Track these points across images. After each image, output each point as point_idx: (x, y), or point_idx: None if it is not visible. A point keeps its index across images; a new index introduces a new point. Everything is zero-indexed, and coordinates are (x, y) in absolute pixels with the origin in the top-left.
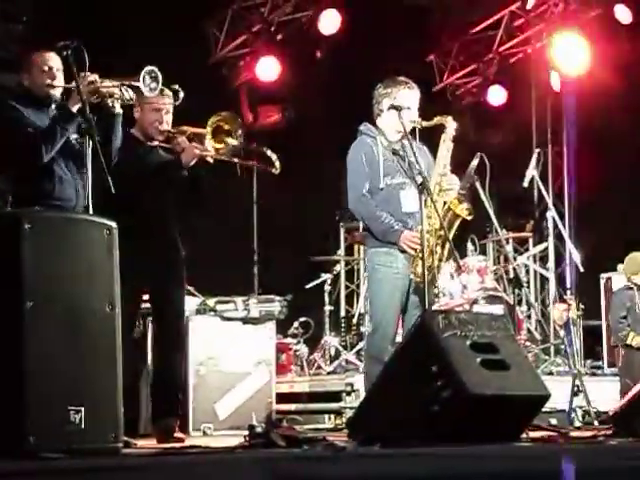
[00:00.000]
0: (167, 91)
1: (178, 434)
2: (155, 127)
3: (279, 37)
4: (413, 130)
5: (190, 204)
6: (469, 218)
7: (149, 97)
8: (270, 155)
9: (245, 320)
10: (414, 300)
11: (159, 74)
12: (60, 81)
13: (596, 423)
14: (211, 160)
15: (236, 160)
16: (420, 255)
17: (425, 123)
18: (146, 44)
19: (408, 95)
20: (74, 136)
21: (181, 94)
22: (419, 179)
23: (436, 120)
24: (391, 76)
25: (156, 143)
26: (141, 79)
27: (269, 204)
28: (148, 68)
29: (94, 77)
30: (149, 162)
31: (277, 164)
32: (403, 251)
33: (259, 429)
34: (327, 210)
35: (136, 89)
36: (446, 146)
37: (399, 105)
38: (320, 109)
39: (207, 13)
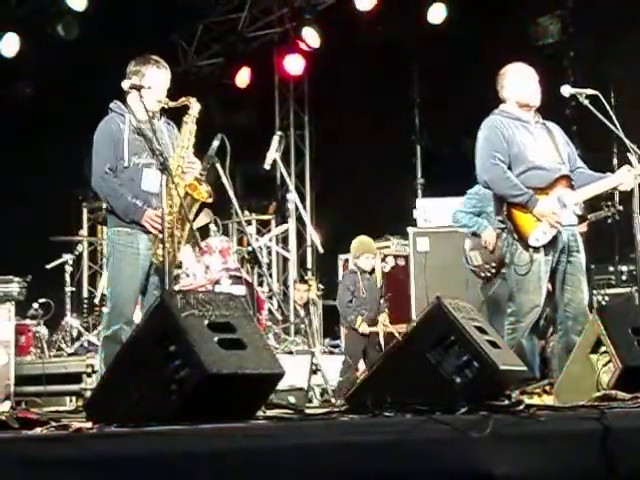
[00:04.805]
0: None
1: None
2: None
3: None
4: (164, 110)
5: None
6: (209, 200)
7: None
8: None
9: None
10: (154, 281)
11: None
12: None
13: (333, 400)
14: None
15: None
16: (160, 237)
17: (172, 103)
18: None
19: (156, 74)
20: None
21: None
22: (160, 159)
23: (180, 101)
24: (143, 54)
25: None
26: None
27: (7, 183)
28: None
29: None
30: None
31: None
32: (147, 232)
33: None
34: (70, 189)
35: None
36: (188, 128)
37: (140, 85)
38: (64, 88)
39: None
